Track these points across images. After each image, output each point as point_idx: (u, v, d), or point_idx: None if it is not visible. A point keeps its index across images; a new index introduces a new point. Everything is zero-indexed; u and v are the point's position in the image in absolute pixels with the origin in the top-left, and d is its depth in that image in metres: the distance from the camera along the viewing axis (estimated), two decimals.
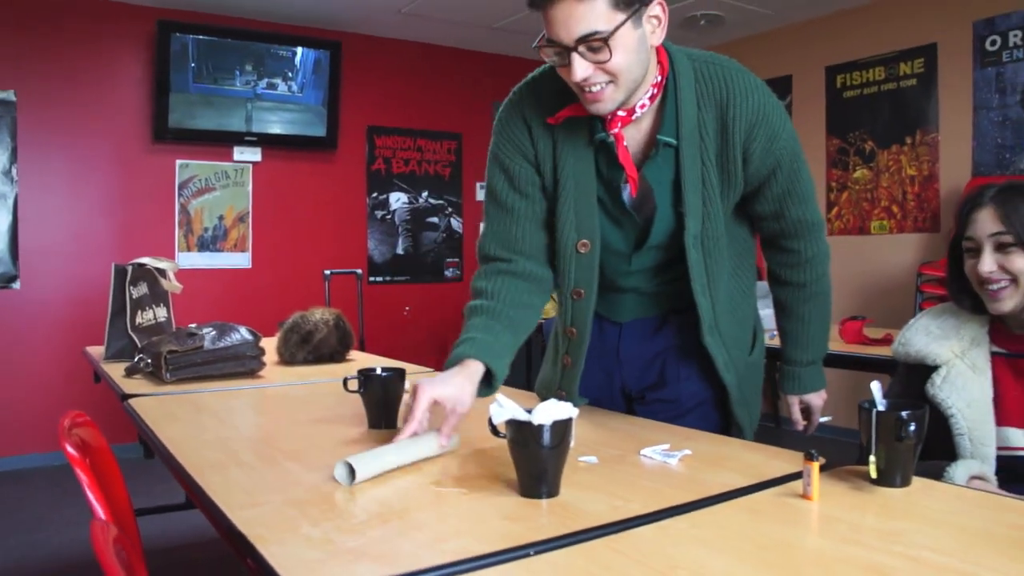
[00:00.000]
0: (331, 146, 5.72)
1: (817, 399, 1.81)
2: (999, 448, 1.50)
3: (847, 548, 0.96)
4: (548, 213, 1.66)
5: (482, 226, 1.73)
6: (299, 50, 5.49)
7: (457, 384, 1.45)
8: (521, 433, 1.14)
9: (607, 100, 1.43)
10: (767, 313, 1.85)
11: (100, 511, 1.13)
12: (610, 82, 1.41)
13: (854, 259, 5.31)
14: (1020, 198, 1.47)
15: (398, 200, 6.14)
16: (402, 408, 1.58)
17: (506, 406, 1.18)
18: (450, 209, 6.37)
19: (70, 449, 1.25)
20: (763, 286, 1.84)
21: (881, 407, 1.21)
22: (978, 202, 1.52)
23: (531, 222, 1.65)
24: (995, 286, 1.48)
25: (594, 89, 1.41)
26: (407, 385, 1.68)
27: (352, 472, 1.22)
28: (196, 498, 1.22)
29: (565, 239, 1.63)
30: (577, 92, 1.45)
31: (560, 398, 1.71)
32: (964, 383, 1.53)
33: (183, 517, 3.53)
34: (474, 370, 1.48)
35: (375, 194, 6.04)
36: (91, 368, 2.88)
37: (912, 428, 1.16)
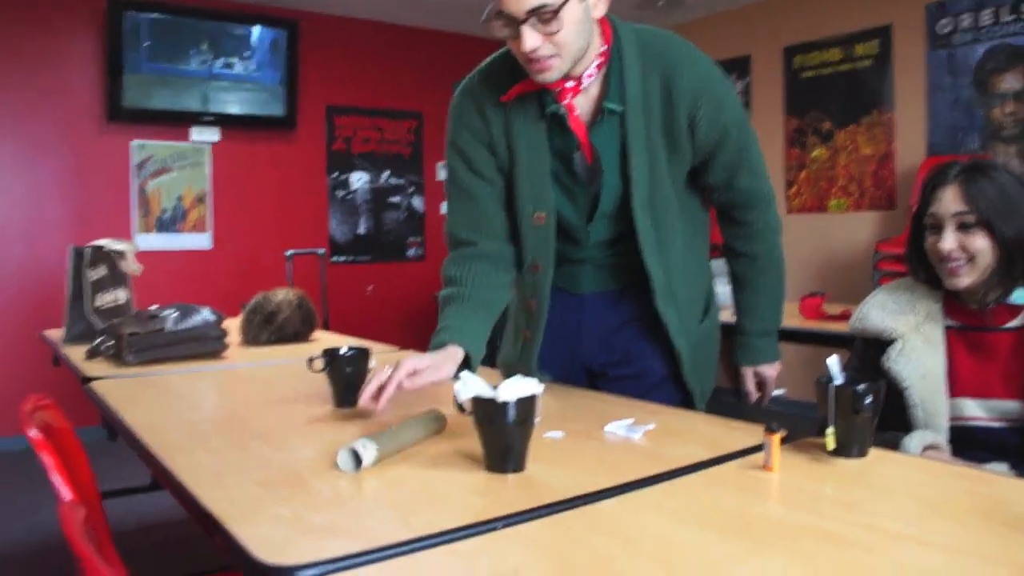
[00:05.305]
0: (290, 126, 5.65)
1: (771, 371, 1.84)
2: (953, 418, 1.54)
3: (807, 517, 0.99)
4: (507, 192, 1.70)
5: (446, 209, 1.76)
6: (256, 29, 5.41)
7: (438, 357, 1.52)
8: (487, 410, 1.15)
9: (553, 69, 1.48)
10: (725, 291, 1.87)
11: (67, 493, 1.12)
12: (555, 54, 1.45)
13: (813, 237, 5.37)
14: (984, 178, 1.48)
15: (359, 180, 6.10)
16: (372, 376, 1.53)
17: (471, 383, 1.19)
18: (412, 188, 6.34)
19: (33, 432, 1.23)
20: (721, 265, 1.87)
21: (838, 381, 1.24)
22: (942, 180, 1.53)
23: (491, 203, 1.70)
24: (954, 263, 1.50)
25: (542, 59, 1.45)
26: (372, 363, 1.68)
27: (357, 459, 1.19)
28: (164, 480, 1.22)
29: (521, 212, 1.67)
30: (524, 63, 1.49)
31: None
32: (918, 356, 1.56)
33: (149, 499, 3.50)
34: (453, 351, 1.55)
35: (336, 174, 6.00)
36: (49, 351, 2.84)
37: (868, 401, 1.19)
